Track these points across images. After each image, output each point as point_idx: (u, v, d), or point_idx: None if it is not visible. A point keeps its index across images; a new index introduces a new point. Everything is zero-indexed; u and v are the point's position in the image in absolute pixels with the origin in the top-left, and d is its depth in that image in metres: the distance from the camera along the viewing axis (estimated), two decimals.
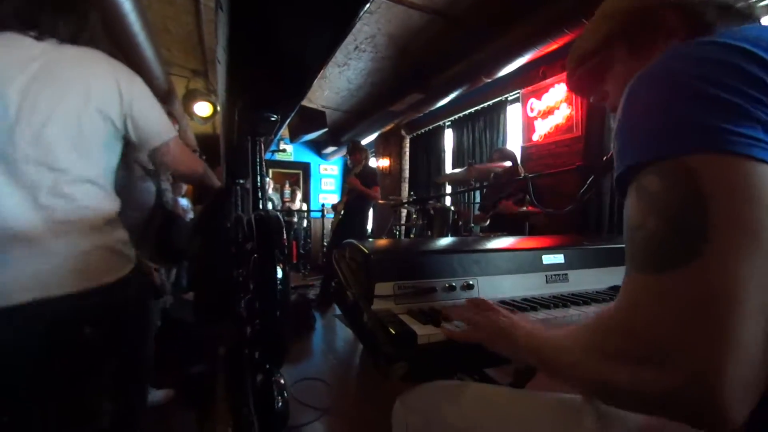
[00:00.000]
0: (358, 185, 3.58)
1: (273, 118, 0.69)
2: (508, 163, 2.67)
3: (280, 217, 0.73)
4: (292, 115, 0.76)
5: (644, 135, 0.38)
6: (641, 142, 0.39)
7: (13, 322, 0.78)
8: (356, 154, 3.77)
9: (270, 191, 5.77)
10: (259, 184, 0.77)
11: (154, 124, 0.96)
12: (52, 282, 0.81)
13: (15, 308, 0.78)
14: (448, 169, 4.45)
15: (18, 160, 0.80)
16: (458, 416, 0.63)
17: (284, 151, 6.75)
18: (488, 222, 2.88)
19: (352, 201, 3.71)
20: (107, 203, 0.93)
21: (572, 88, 0.71)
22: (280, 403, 0.70)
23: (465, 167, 2.81)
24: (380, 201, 3.80)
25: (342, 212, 3.83)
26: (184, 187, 3.34)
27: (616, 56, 0.58)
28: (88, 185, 0.88)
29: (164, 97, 3.11)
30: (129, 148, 1.00)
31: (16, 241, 0.79)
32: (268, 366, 0.70)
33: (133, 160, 1.59)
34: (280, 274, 0.66)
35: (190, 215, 3.11)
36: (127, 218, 1.00)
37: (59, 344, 0.83)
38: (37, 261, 0.81)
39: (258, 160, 0.74)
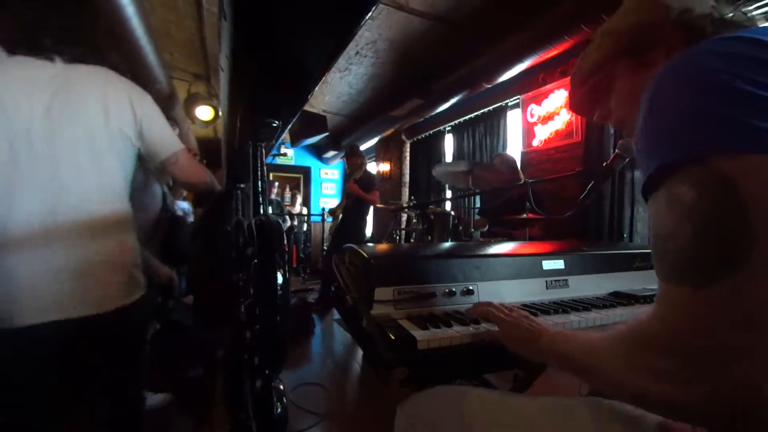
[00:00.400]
0: (356, 191, 3.59)
1: (274, 124, 0.70)
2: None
3: (280, 221, 0.74)
4: (294, 120, 0.76)
5: (673, 135, 0.37)
6: (670, 143, 0.37)
7: (28, 340, 0.78)
8: (353, 158, 3.77)
9: (273, 195, 5.77)
10: (260, 188, 0.77)
11: (162, 138, 0.99)
12: (69, 305, 0.82)
13: (30, 328, 0.78)
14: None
15: (41, 176, 0.82)
16: (460, 422, 0.63)
17: (285, 155, 6.77)
18: (488, 227, 2.89)
19: (351, 205, 3.72)
20: (125, 221, 0.95)
21: (575, 107, 0.71)
22: (279, 409, 0.69)
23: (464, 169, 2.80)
24: (380, 205, 3.80)
25: (341, 216, 3.84)
26: (184, 191, 3.34)
27: (618, 73, 0.58)
28: (107, 202, 0.90)
29: (166, 100, 3.12)
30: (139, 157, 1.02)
31: (30, 255, 0.80)
32: (267, 371, 0.70)
33: (142, 165, 1.60)
34: (280, 279, 0.66)
35: (191, 218, 3.11)
36: (136, 221, 1.01)
37: (66, 362, 0.84)
38: (53, 280, 0.81)
39: (259, 165, 0.75)
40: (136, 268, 0.96)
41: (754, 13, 0.54)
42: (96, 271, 0.86)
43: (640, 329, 0.38)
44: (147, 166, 1.63)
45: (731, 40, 0.38)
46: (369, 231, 6.22)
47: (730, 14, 0.50)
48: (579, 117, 2.86)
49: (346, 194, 3.86)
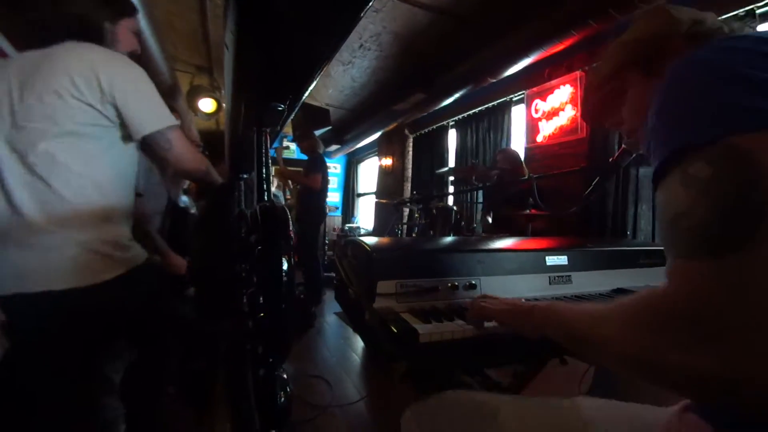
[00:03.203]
0: (287, 173, 3.61)
1: (280, 108, 0.69)
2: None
3: (286, 208, 0.73)
4: (297, 108, 0.75)
5: (690, 119, 0.38)
6: (686, 128, 0.38)
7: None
8: (304, 142, 3.68)
9: (273, 188, 5.77)
10: (264, 175, 0.77)
11: (142, 110, 0.93)
12: (29, 278, 0.82)
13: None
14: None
15: (7, 155, 0.82)
16: (467, 428, 0.63)
17: (288, 148, 6.75)
18: (490, 221, 2.88)
19: (300, 194, 3.67)
20: (98, 200, 0.91)
21: (587, 115, 0.75)
22: (282, 399, 0.70)
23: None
24: (382, 200, 3.78)
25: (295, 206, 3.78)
26: (186, 183, 3.34)
27: (630, 81, 0.61)
28: (78, 180, 0.87)
29: (169, 92, 3.11)
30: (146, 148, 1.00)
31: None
32: (271, 359, 0.70)
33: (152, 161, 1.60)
34: (285, 265, 0.66)
35: (192, 211, 3.11)
36: (146, 210, 0.99)
37: (29, 340, 0.83)
38: (14, 255, 0.82)
39: (263, 151, 0.74)
40: (114, 246, 0.92)
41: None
42: (62, 248, 0.84)
43: (660, 298, 0.38)
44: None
45: (741, 38, 0.41)
46: (370, 224, 6.21)
47: (741, 30, 0.53)
48: None
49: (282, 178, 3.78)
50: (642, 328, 0.38)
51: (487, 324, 0.71)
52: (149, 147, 0.99)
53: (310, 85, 0.65)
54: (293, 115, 0.87)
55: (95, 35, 0.95)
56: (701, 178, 0.35)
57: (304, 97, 0.72)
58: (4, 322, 0.76)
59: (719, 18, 0.55)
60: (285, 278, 0.65)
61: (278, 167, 3.76)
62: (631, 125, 0.64)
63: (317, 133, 3.80)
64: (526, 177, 2.60)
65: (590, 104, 0.71)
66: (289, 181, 4.35)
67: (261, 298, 0.68)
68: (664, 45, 0.56)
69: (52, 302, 0.82)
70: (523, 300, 0.67)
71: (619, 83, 0.63)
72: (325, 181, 3.66)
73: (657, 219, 0.41)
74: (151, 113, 0.94)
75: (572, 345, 0.50)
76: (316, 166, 3.56)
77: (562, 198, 2.74)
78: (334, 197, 7.31)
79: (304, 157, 3.80)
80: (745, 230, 0.32)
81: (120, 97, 0.89)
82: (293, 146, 6.84)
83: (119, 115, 0.91)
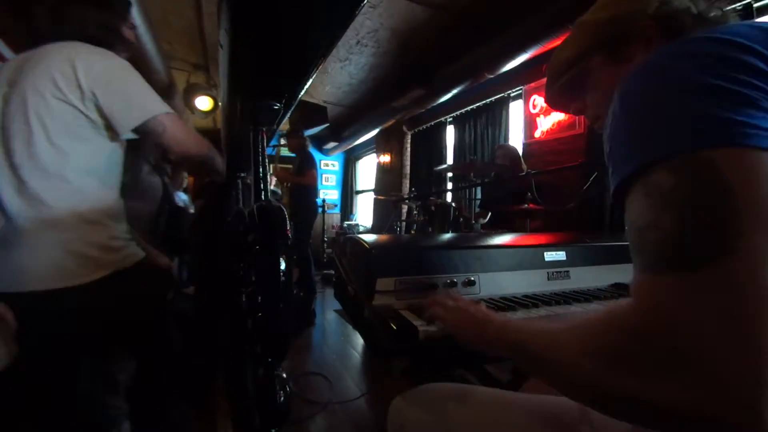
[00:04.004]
0: (284, 176, 3.61)
1: (276, 107, 0.68)
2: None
3: (283, 207, 0.73)
4: (295, 104, 0.75)
5: (650, 133, 0.36)
6: (648, 141, 0.36)
7: None
8: (292, 139, 3.68)
9: (272, 186, 5.76)
10: (261, 174, 0.76)
11: (126, 102, 0.89)
12: (10, 278, 0.82)
13: None
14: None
15: None
16: (455, 419, 0.63)
17: (285, 146, 6.73)
18: (488, 217, 2.89)
19: (294, 191, 3.67)
20: (82, 202, 0.89)
21: (550, 101, 0.69)
22: (282, 398, 0.70)
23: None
24: (380, 197, 3.77)
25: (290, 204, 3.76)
26: (185, 182, 3.33)
27: (595, 66, 0.57)
28: (58, 182, 0.86)
29: (165, 91, 3.09)
30: (140, 141, 0.99)
31: None
32: (270, 359, 0.70)
33: (141, 155, 1.59)
34: (283, 265, 0.66)
35: (191, 210, 3.10)
36: (136, 211, 0.99)
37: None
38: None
39: (260, 150, 0.74)
40: (99, 248, 0.90)
41: (732, 11, 0.54)
42: (42, 249, 0.84)
43: (619, 318, 0.35)
44: (145, 156, 1.62)
45: (700, 40, 0.38)
46: (368, 222, 6.22)
47: (709, 11, 0.49)
48: None
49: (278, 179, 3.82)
50: (599, 352, 0.35)
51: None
52: (147, 138, 0.96)
53: (305, 83, 0.64)
54: (290, 113, 0.87)
55: (112, 37, 0.96)
56: (664, 189, 0.33)
57: (300, 95, 0.71)
58: (15, 328, 0.75)
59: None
60: (283, 278, 0.65)
61: (274, 165, 3.77)
62: (595, 112, 0.60)
63: (315, 130, 3.79)
64: (524, 173, 2.60)
65: (552, 89, 0.66)
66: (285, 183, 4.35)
67: (259, 298, 0.68)
68: (630, 28, 0.52)
69: (35, 302, 0.82)
70: (523, 300, 0.66)
71: (582, 68, 0.58)
72: (318, 177, 3.71)
73: (626, 232, 0.39)
74: (137, 104, 0.90)
75: (526, 366, 0.48)
76: (308, 162, 3.58)
77: (560, 193, 2.74)
78: (332, 194, 7.30)
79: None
80: (714, 246, 0.30)
81: (99, 92, 0.86)
82: None
83: (101, 111, 0.88)
